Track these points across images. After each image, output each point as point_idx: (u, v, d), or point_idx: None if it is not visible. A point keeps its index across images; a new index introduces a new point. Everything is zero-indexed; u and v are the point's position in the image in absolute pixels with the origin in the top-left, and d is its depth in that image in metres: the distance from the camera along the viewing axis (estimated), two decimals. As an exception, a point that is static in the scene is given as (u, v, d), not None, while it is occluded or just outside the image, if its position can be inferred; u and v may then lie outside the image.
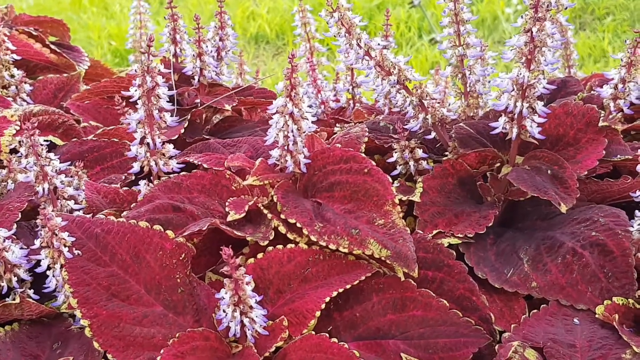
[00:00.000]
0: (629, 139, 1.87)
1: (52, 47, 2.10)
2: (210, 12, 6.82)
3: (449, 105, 1.61)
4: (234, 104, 1.82)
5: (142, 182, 1.46)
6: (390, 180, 1.37)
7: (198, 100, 1.87)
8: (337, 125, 2.01)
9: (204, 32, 1.88)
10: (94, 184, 1.51)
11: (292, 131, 1.36)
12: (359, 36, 1.50)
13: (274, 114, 1.37)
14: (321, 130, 1.87)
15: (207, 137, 1.75)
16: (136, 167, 1.46)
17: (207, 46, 1.84)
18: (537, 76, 1.40)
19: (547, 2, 1.36)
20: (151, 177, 1.47)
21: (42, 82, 2.02)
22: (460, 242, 1.43)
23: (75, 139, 1.72)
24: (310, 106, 2.15)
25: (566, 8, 1.55)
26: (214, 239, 1.39)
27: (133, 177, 1.59)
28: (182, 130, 1.72)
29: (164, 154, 1.46)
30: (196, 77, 1.85)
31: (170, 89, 1.84)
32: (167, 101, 1.46)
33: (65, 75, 2.05)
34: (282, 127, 1.37)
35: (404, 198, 1.46)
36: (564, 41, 1.69)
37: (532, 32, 1.37)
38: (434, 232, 1.44)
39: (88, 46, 6.83)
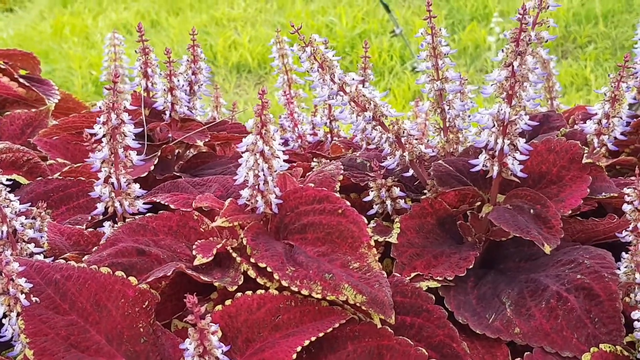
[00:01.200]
0: (614, 174, 1.82)
1: (21, 80, 2.04)
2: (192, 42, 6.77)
3: (428, 141, 1.56)
4: (207, 140, 1.76)
5: (106, 224, 1.40)
6: (366, 221, 1.31)
7: (170, 136, 1.81)
8: (315, 159, 1.96)
9: (176, 66, 1.82)
10: (57, 225, 1.45)
11: (263, 170, 1.30)
12: (333, 71, 1.44)
13: (244, 152, 1.31)
14: (298, 166, 1.81)
15: (178, 174, 1.69)
16: (100, 208, 1.39)
17: (178, 80, 1.78)
18: (518, 112, 1.35)
19: (528, 36, 1.31)
20: (117, 219, 1.40)
21: (9, 118, 1.95)
22: (439, 285, 1.37)
23: (40, 178, 1.65)
24: (286, 140, 2.13)
25: (547, 41, 1.50)
26: (182, 284, 1.33)
27: (100, 217, 1.52)
28: (152, 168, 1.66)
29: (129, 194, 1.39)
30: (167, 112, 1.79)
31: (140, 124, 1.79)
32: (135, 138, 1.40)
33: (33, 110, 1.98)
34: (253, 166, 1.31)
35: (381, 239, 1.40)
36: (545, 75, 1.64)
37: (513, 67, 1.32)
38: (412, 274, 1.38)
39: (69, 76, 6.78)
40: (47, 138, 1.84)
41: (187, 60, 1.88)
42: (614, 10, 5.94)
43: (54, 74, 6.86)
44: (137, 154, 1.72)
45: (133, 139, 1.36)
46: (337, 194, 1.44)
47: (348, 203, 1.32)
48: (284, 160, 1.32)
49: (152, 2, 7.66)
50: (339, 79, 1.45)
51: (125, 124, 1.35)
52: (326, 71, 1.44)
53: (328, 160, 1.85)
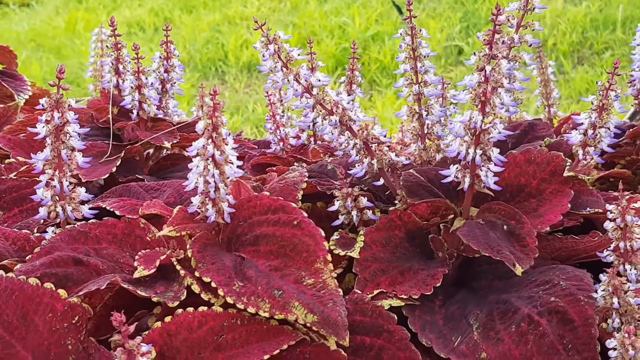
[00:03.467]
0: (606, 187, 1.72)
1: (-10, 75, 1.95)
2: (205, 40, 6.70)
3: (400, 148, 1.46)
4: (175, 141, 1.67)
5: (49, 229, 1.30)
6: (323, 233, 1.22)
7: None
8: (296, 163, 1.87)
9: (146, 63, 1.73)
10: (2, 228, 1.36)
11: (214, 176, 1.21)
12: (298, 72, 1.35)
13: (194, 156, 1.22)
14: (277, 170, 1.72)
15: (141, 177, 1.60)
16: (42, 212, 1.30)
17: (146, 78, 1.69)
18: (492, 120, 1.25)
19: (503, 40, 1.21)
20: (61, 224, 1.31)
21: (-23, 112, 1.87)
22: (403, 304, 1.27)
23: (-8, 178, 1.56)
24: (269, 143, 2.03)
25: (531, 45, 1.40)
26: (125, 296, 1.23)
27: (48, 222, 1.43)
28: (114, 169, 1.57)
29: (73, 199, 1.30)
30: (135, 111, 1.70)
31: (106, 123, 1.70)
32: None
33: (1, 106, 1.90)
34: (203, 172, 1.21)
35: (342, 253, 1.31)
36: (526, 80, 1.53)
37: (485, 71, 1.22)
38: (375, 292, 1.28)
39: (80, 72, 6.71)
40: (12, 135, 1.76)
41: (160, 57, 1.79)
42: (632, 17, 5.81)
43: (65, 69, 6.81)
44: (102, 155, 1.64)
45: (79, 140, 1.27)
46: (299, 203, 1.35)
47: (305, 214, 1.23)
48: (238, 167, 1.23)
49: (166, 0, 7.60)
50: (305, 80, 1.35)
51: (70, 123, 1.26)
52: (291, 71, 1.35)
53: (306, 165, 1.76)
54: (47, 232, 1.32)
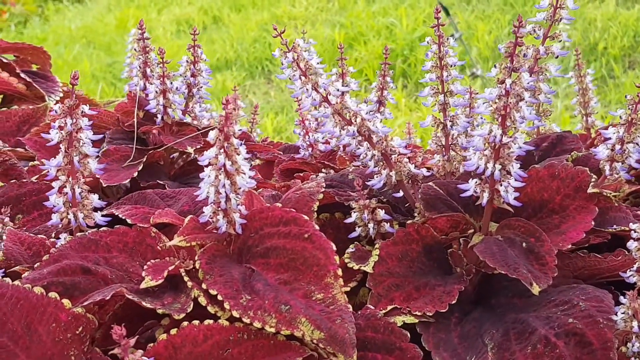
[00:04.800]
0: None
1: (22, 76, 1.96)
2: (252, 39, 6.70)
3: (421, 159, 1.43)
4: (198, 146, 1.65)
5: (62, 236, 1.29)
6: (334, 247, 1.19)
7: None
8: (323, 170, 1.85)
9: (172, 68, 1.72)
10: (18, 233, 1.35)
11: (225, 186, 1.19)
12: (316, 80, 1.32)
13: (206, 166, 1.20)
14: (304, 177, 1.71)
15: (162, 182, 1.59)
16: (55, 219, 1.29)
17: (171, 82, 1.68)
18: (512, 135, 1.21)
19: (525, 53, 1.18)
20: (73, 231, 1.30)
21: (5, 114, 1.88)
22: (417, 320, 1.24)
23: (14, 180, 1.56)
24: (298, 148, 2.01)
25: (557, 57, 1.36)
26: (135, 306, 1.21)
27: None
28: (136, 174, 1.56)
29: (84, 205, 1.29)
30: (159, 116, 1.69)
31: (132, 126, 1.69)
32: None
33: (31, 107, 1.90)
34: (214, 182, 1.20)
35: (356, 266, 1.28)
36: (553, 92, 1.49)
37: (505, 85, 1.19)
38: (389, 307, 1.26)
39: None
40: (38, 137, 1.76)
41: (187, 61, 1.78)
42: (689, 20, 5.70)
43: (114, 67, 6.86)
44: (125, 159, 1.63)
45: (91, 147, 1.25)
46: (315, 214, 1.33)
47: (317, 227, 1.20)
48: (250, 177, 1.21)
49: (215, -2, 7.62)
50: (324, 89, 1.33)
51: (83, 130, 1.25)
52: (309, 80, 1.32)
53: (334, 172, 1.74)
54: (60, 238, 1.31)
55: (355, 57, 5.90)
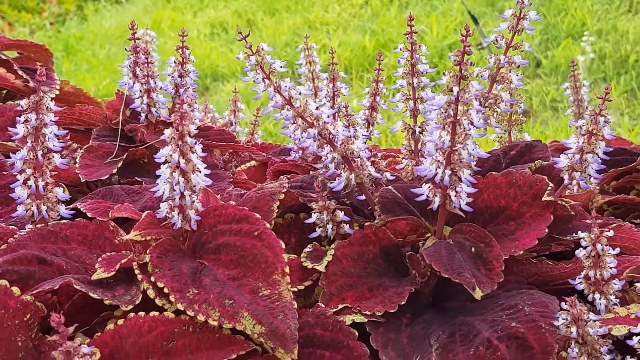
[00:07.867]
0: (621, 212, 1.68)
1: (20, 72, 2.01)
2: (284, 42, 6.75)
3: (385, 163, 1.45)
4: (180, 145, 1.69)
5: (27, 227, 1.34)
6: (283, 246, 1.23)
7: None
8: (311, 172, 1.88)
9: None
10: (-14, 224, 1.40)
11: (179, 184, 1.23)
12: (279, 83, 1.36)
13: (162, 163, 1.24)
14: (292, 178, 1.74)
15: (140, 179, 1.63)
16: (20, 210, 1.34)
17: (154, 82, 1.72)
18: (462, 141, 1.24)
19: (471, 62, 1.20)
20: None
21: (0, 109, 1.92)
22: (366, 320, 1.27)
23: (-4, 173, 1.61)
24: (289, 150, 2.04)
25: (519, 66, 1.39)
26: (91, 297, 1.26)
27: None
28: (114, 170, 1.61)
29: (49, 198, 1.33)
30: (143, 114, 1.74)
31: (118, 124, 1.74)
32: (59, 140, 1.33)
33: (26, 102, 1.95)
34: (168, 179, 1.23)
35: (310, 266, 1.31)
36: (515, 102, 1.51)
37: (454, 92, 1.21)
38: (340, 306, 1.28)
39: (161, 70, 6.84)
40: (28, 132, 1.80)
41: (175, 62, 1.82)
42: None
43: (147, 67, 6.94)
44: (108, 155, 1.67)
45: (56, 142, 1.30)
46: (274, 214, 1.36)
47: (267, 225, 1.24)
48: (206, 175, 1.25)
49: (250, 2, 7.67)
50: (287, 92, 1.36)
51: (48, 125, 1.29)
52: (272, 82, 1.36)
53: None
54: (24, 229, 1.35)
55: (385, 63, 5.92)
